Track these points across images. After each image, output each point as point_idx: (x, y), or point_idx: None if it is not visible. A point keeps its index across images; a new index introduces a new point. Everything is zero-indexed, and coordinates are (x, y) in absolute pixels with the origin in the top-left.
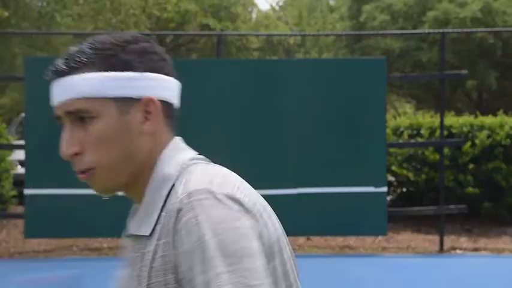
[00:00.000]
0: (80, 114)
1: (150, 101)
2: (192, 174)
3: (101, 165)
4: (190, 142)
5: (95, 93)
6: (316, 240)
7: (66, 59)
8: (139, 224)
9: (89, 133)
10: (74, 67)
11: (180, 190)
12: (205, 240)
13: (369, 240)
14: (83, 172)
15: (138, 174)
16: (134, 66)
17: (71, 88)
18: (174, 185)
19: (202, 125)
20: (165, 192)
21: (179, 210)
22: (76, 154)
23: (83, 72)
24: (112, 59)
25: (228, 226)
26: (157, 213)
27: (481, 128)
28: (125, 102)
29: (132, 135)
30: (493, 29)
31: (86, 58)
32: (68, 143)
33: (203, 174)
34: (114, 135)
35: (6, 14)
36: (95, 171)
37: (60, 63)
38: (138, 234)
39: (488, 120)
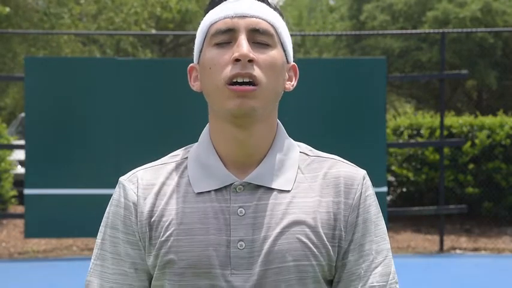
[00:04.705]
0: (260, 36)
1: (295, 68)
2: (319, 151)
3: (265, 85)
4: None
5: (279, 28)
6: None
7: None
8: (269, 178)
9: (264, 55)
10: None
11: (343, 166)
12: (380, 216)
13: None
14: (250, 84)
15: (272, 115)
16: None
17: (266, 12)
18: (299, 152)
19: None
20: (296, 156)
21: (361, 185)
22: (250, 61)
23: (277, 14)
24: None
25: None
26: (294, 173)
27: (481, 128)
28: (284, 56)
29: (283, 82)
30: (493, 29)
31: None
32: (248, 48)
33: (335, 156)
34: (279, 69)
35: (7, 9)
36: (259, 87)
37: None
38: (272, 187)
39: (488, 120)
